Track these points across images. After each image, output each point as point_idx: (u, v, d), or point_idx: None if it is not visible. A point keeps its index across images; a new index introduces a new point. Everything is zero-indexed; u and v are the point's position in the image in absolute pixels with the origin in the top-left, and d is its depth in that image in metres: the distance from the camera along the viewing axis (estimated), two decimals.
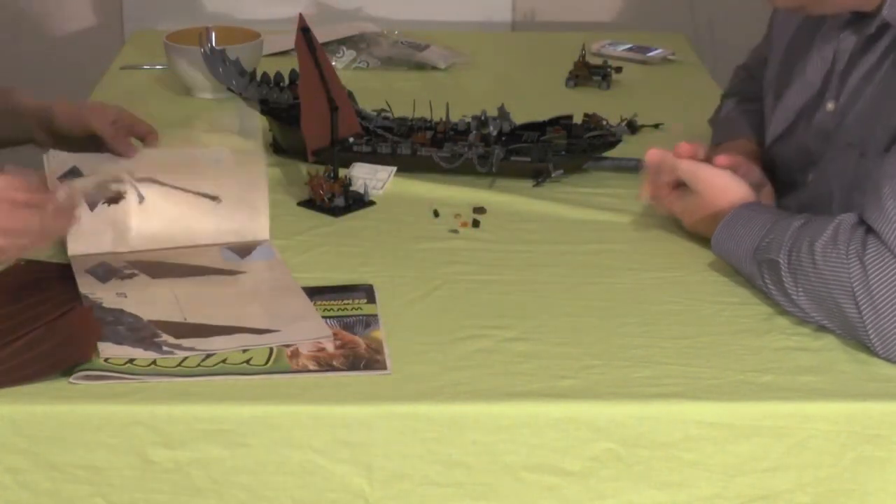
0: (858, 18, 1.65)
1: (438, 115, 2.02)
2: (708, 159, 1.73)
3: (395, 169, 1.92)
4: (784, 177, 1.79)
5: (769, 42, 1.89)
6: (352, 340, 1.47)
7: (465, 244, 1.73)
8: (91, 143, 1.81)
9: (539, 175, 1.92)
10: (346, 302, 1.55)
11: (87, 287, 1.55)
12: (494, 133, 1.96)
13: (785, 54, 1.81)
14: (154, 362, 1.42)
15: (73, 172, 1.67)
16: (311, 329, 1.48)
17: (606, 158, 1.97)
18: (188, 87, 2.34)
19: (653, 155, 1.75)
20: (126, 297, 1.55)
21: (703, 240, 1.69)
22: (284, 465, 1.36)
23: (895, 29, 1.59)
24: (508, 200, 1.86)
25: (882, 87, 1.61)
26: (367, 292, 1.58)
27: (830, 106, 1.69)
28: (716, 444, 1.37)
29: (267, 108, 2.03)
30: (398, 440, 1.36)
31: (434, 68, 2.52)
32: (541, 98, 2.33)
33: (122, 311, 1.50)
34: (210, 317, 1.51)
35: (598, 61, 2.46)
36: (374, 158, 1.95)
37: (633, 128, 2.12)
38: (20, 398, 1.36)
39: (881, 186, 1.48)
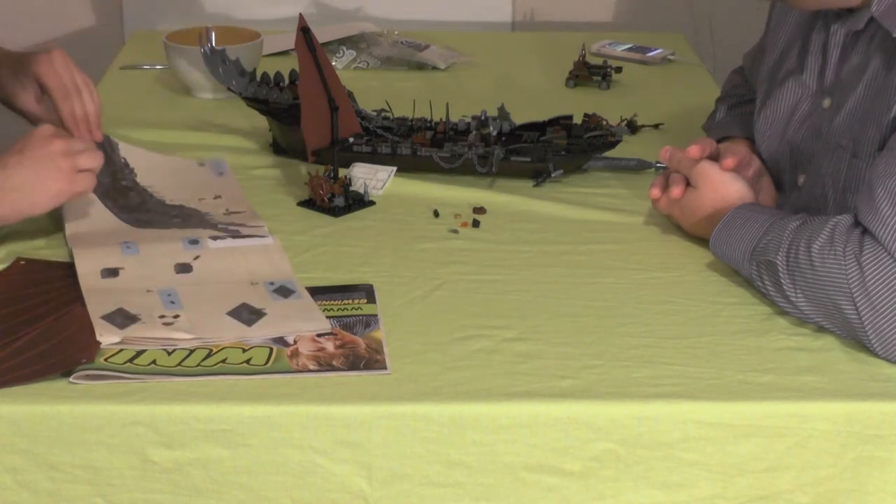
0: (847, 12, 1.65)
1: (438, 115, 2.02)
2: (714, 157, 1.73)
3: (395, 169, 1.92)
4: (773, 177, 1.79)
5: (767, 36, 1.89)
6: (352, 340, 1.47)
7: (465, 244, 1.73)
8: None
9: (539, 175, 1.92)
10: (346, 302, 1.55)
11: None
12: (494, 133, 1.96)
13: (780, 52, 1.82)
14: (154, 361, 1.42)
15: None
16: (309, 322, 1.49)
17: (606, 158, 1.97)
18: (188, 87, 2.34)
19: (667, 151, 1.76)
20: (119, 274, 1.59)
21: (702, 240, 1.69)
22: (284, 465, 1.36)
23: (881, 25, 1.59)
24: (508, 200, 1.86)
25: (873, 86, 1.61)
26: (367, 292, 1.58)
27: (826, 102, 1.69)
28: (716, 444, 1.37)
29: (267, 108, 2.03)
30: (398, 440, 1.36)
31: (434, 68, 2.52)
32: (541, 98, 2.33)
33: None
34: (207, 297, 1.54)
35: (598, 61, 2.46)
36: (374, 158, 1.95)
37: (633, 128, 2.12)
38: (20, 398, 1.36)
39: (874, 188, 1.48)
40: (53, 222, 1.74)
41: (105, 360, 1.42)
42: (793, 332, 1.51)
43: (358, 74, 2.49)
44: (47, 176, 1.60)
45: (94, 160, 1.64)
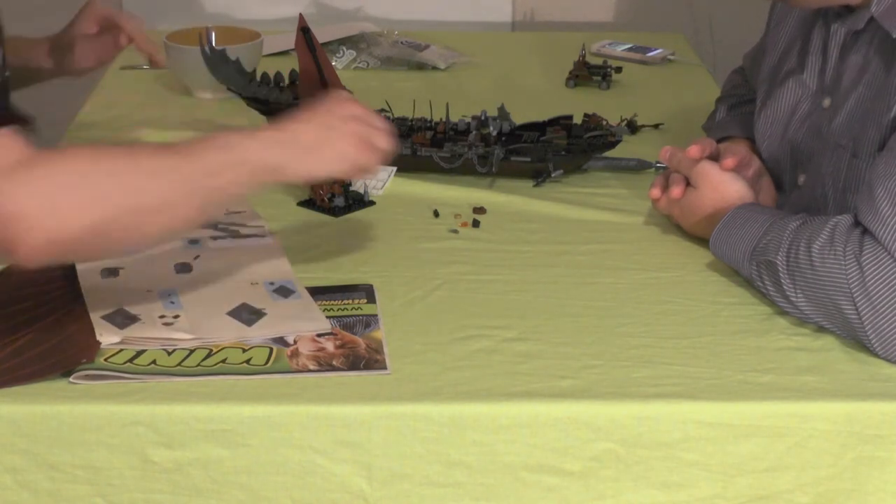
0: (848, 12, 1.65)
1: (438, 115, 2.02)
2: (714, 157, 1.73)
3: (395, 169, 1.92)
4: (773, 177, 1.79)
5: (767, 36, 1.89)
6: (352, 340, 1.47)
7: (465, 244, 1.73)
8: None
9: (539, 175, 1.92)
10: (346, 302, 1.55)
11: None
12: (494, 133, 1.96)
13: (780, 52, 1.82)
14: (154, 361, 1.42)
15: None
16: (309, 323, 1.49)
17: (606, 158, 1.97)
18: (188, 87, 2.34)
19: (667, 151, 1.76)
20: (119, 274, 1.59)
21: (702, 240, 1.69)
22: (284, 465, 1.36)
23: (881, 25, 1.59)
24: (508, 200, 1.86)
25: (873, 86, 1.61)
26: (367, 292, 1.58)
27: (826, 102, 1.69)
28: (716, 444, 1.37)
29: (267, 108, 2.03)
30: (398, 440, 1.36)
31: (434, 68, 2.52)
32: (541, 98, 2.33)
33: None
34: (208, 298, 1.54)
35: (598, 61, 2.46)
36: None
37: (633, 128, 2.12)
38: (20, 398, 1.36)
39: (874, 188, 1.48)
40: None
41: (105, 360, 1.42)
42: (793, 332, 1.51)
43: (358, 74, 2.49)
44: (338, 136, 1.49)
45: (389, 142, 1.52)
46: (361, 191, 1.85)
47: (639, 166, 1.97)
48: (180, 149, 1.41)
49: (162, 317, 1.49)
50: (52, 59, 1.99)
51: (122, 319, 1.48)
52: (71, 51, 1.98)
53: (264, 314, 1.51)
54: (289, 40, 2.17)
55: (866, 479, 1.39)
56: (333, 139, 1.48)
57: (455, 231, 1.77)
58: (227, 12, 3.01)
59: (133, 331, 1.46)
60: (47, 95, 2.03)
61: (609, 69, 2.41)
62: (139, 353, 1.43)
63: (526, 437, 1.36)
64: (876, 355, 1.45)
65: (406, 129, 2.00)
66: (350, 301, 1.56)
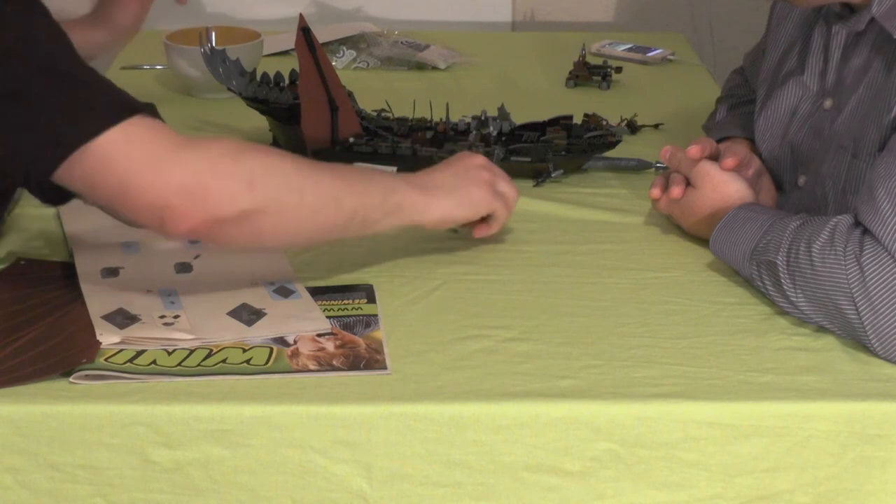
0: (849, 12, 1.65)
1: (438, 115, 2.02)
2: (714, 157, 1.73)
3: (395, 169, 1.92)
4: (773, 177, 1.79)
5: (767, 36, 1.89)
6: (352, 340, 1.47)
7: (465, 244, 1.73)
8: None
9: (539, 175, 1.92)
10: (346, 302, 1.55)
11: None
12: (494, 133, 1.96)
13: (780, 52, 1.82)
14: (154, 361, 1.42)
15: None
16: (309, 323, 1.49)
17: (606, 158, 1.97)
18: (188, 87, 2.34)
19: (667, 151, 1.76)
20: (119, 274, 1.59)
21: (702, 240, 1.69)
22: (284, 465, 1.36)
23: (881, 26, 1.59)
24: None
25: (874, 86, 1.61)
26: (367, 292, 1.58)
27: (828, 103, 1.69)
28: (716, 444, 1.37)
29: (267, 108, 2.03)
30: (398, 440, 1.36)
31: (434, 68, 2.52)
32: (541, 98, 2.33)
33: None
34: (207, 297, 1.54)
35: (598, 61, 2.46)
36: (374, 158, 1.94)
37: (633, 128, 2.12)
38: (20, 398, 1.36)
39: (875, 188, 1.48)
40: (53, 222, 1.74)
41: (105, 360, 1.42)
42: (793, 332, 1.51)
43: (358, 74, 2.49)
44: (470, 182, 1.63)
45: (513, 190, 1.67)
46: None
47: (639, 166, 1.97)
48: (328, 164, 1.52)
49: (162, 317, 1.49)
50: (100, 32, 1.98)
51: (122, 319, 1.48)
52: (117, 9, 1.98)
53: (264, 314, 1.51)
54: (289, 40, 2.17)
55: (866, 479, 1.39)
56: (467, 186, 1.62)
57: (455, 231, 1.76)
58: (227, 12, 3.01)
59: (133, 331, 1.46)
60: None
61: (609, 69, 2.41)
62: (139, 353, 1.43)
63: (526, 437, 1.36)
64: (876, 355, 1.45)
65: (406, 129, 2.00)
66: (350, 301, 1.56)
